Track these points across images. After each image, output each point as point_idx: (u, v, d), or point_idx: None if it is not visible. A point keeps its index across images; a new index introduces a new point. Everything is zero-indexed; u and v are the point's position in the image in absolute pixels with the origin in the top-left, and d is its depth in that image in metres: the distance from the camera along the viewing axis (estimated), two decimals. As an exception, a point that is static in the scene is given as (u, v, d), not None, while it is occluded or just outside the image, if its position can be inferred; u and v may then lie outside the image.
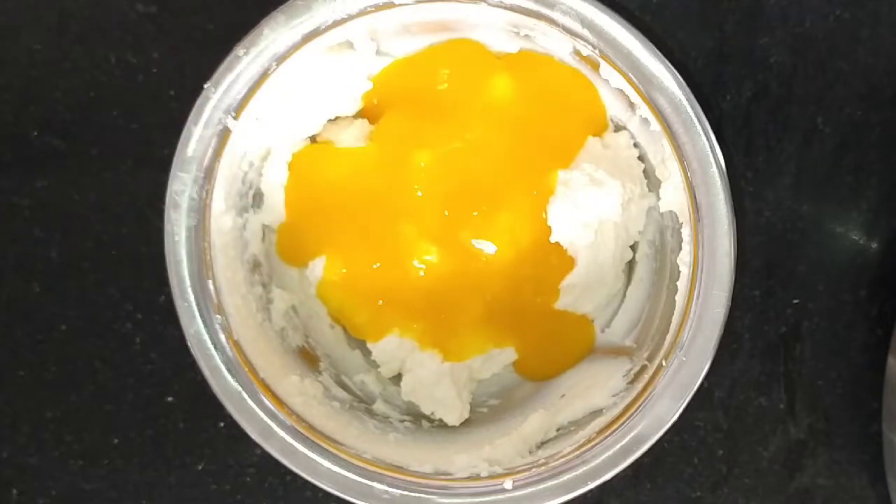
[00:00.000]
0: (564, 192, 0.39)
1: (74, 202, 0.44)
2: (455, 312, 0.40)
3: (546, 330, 0.41)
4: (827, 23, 0.44)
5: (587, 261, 0.40)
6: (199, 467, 0.44)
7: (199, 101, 0.37)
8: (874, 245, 0.44)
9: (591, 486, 0.36)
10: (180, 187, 0.37)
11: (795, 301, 0.44)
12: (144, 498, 0.44)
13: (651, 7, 0.44)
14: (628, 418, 0.36)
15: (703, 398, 0.43)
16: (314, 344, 0.42)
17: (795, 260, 0.44)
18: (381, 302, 0.40)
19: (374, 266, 0.40)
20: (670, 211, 0.39)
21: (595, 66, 0.39)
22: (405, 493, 0.36)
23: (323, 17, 0.38)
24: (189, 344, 0.37)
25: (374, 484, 0.36)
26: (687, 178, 0.37)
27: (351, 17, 0.38)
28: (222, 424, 0.43)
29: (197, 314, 0.37)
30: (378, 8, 0.38)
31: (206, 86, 0.37)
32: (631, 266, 0.43)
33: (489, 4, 0.38)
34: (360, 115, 0.42)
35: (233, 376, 0.37)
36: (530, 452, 0.38)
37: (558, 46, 0.39)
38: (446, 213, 0.39)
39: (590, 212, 0.39)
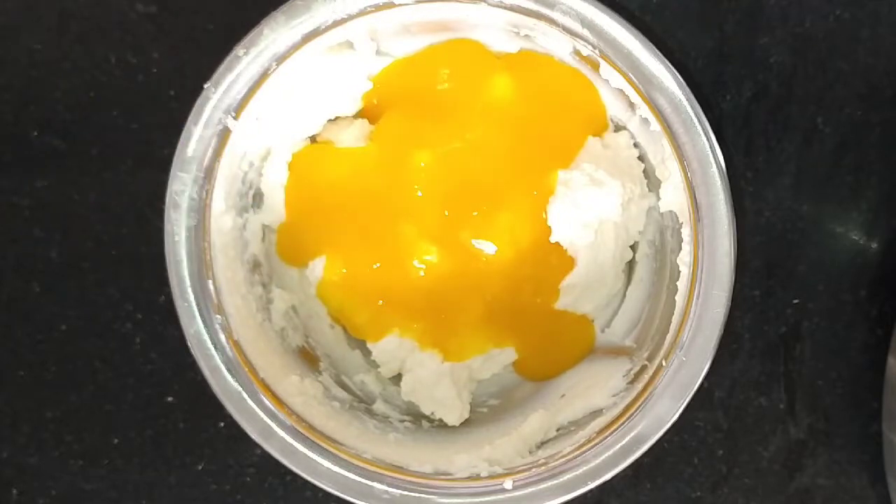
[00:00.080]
0: (564, 192, 0.39)
1: (74, 202, 0.44)
2: (455, 312, 0.40)
3: (546, 330, 0.41)
4: (827, 23, 0.44)
5: (587, 261, 0.40)
6: (199, 467, 0.44)
7: (199, 101, 0.37)
8: (874, 245, 0.44)
9: (591, 486, 0.36)
10: (180, 187, 0.37)
11: (795, 301, 0.44)
12: (144, 498, 0.44)
13: (651, 7, 0.44)
14: (628, 418, 0.36)
15: (703, 398, 0.43)
16: (314, 344, 0.42)
17: (795, 260, 0.44)
18: (381, 302, 0.40)
19: (374, 266, 0.40)
20: (670, 211, 0.39)
21: (595, 66, 0.39)
22: (405, 493, 0.36)
23: (323, 17, 0.38)
24: (189, 344, 0.37)
25: (374, 484, 0.36)
26: (687, 178, 0.37)
27: (351, 17, 0.38)
28: (222, 424, 0.43)
29: (197, 314, 0.37)
30: (378, 8, 0.38)
31: (206, 86, 0.37)
32: (631, 266, 0.43)
33: (489, 4, 0.38)
34: (360, 115, 0.42)
35: (233, 376, 0.37)
36: (530, 452, 0.38)
37: (558, 46, 0.39)
38: (446, 213, 0.39)
39: (590, 212, 0.39)
